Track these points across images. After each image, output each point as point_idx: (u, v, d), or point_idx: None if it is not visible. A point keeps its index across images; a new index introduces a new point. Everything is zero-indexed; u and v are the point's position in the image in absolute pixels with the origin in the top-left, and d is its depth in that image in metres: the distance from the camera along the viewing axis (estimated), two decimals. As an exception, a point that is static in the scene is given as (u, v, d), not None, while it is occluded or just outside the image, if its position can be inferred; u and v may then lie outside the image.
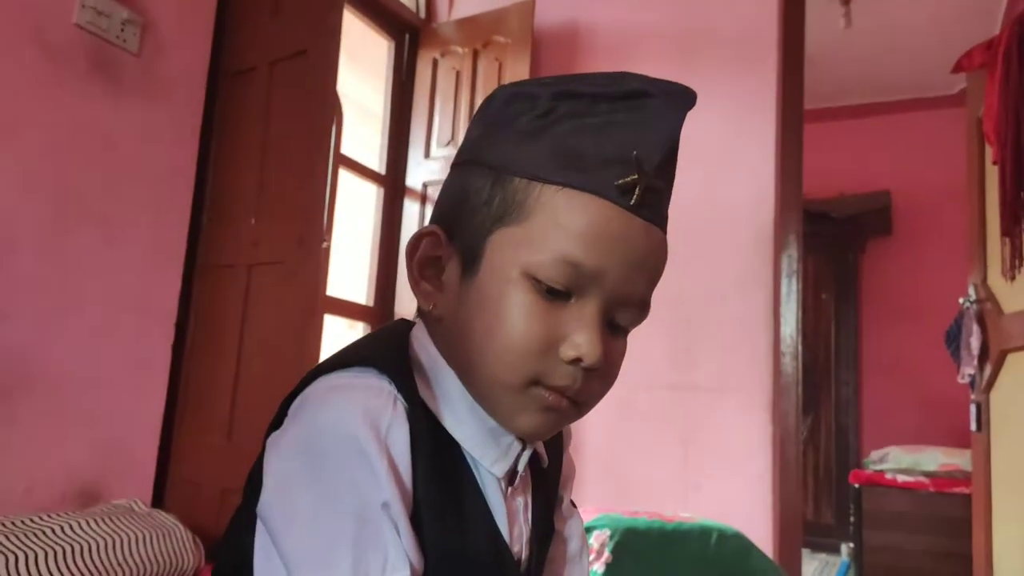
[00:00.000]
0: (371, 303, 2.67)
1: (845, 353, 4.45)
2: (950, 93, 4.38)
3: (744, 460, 2.23)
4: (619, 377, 0.55)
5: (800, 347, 2.40)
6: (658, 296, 0.59)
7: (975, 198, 2.91)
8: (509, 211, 0.51)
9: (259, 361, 1.85)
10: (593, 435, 2.33)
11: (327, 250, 2.01)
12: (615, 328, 0.53)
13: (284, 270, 1.82)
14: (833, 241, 4.48)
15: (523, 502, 0.58)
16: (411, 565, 0.46)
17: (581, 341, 0.49)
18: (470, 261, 0.52)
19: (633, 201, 0.49)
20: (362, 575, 0.45)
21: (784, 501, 2.22)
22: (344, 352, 0.56)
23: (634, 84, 0.53)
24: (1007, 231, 2.55)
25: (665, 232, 0.54)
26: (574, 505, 0.68)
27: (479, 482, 0.54)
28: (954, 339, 2.86)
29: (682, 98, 0.53)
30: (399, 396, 0.50)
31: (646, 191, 0.50)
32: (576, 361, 0.50)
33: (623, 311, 0.52)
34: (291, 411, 0.52)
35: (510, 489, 0.56)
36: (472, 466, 0.54)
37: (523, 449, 0.56)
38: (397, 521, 0.47)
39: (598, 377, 0.52)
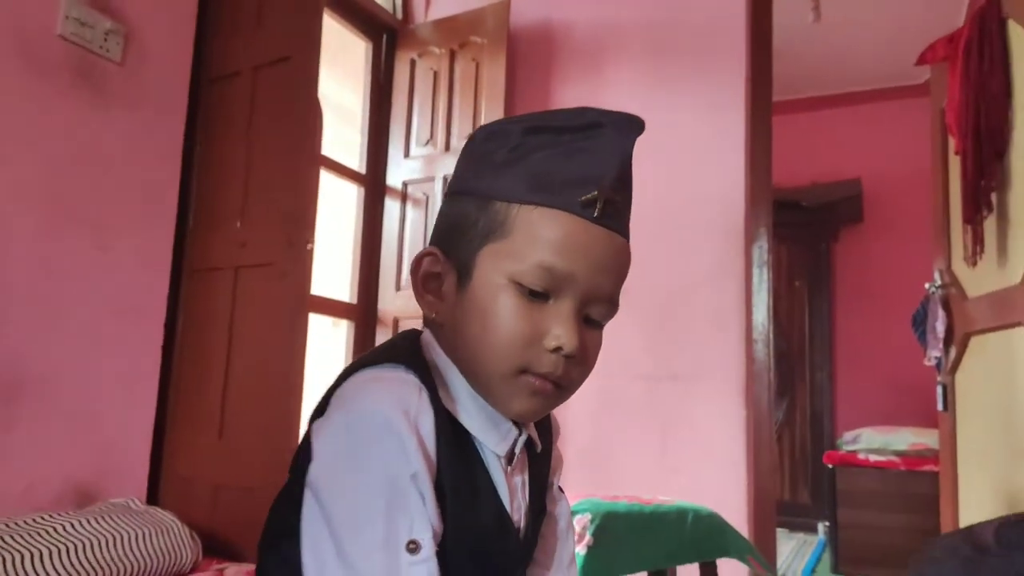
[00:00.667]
0: (355, 301, 2.72)
1: (819, 339, 4.57)
2: (918, 83, 4.48)
3: (719, 444, 2.32)
4: (599, 368, 0.64)
5: (771, 334, 2.48)
6: (634, 290, 0.66)
7: (939, 187, 3.01)
8: (493, 230, 0.60)
9: (247, 361, 1.89)
10: (575, 424, 2.40)
11: (311, 251, 2.05)
12: (590, 322, 0.62)
13: (271, 272, 1.87)
14: (806, 229, 4.58)
15: (521, 480, 0.67)
16: (432, 528, 0.56)
17: (560, 332, 0.59)
18: (464, 274, 0.62)
19: (595, 214, 0.59)
20: (392, 535, 0.54)
21: (758, 482, 2.31)
22: (374, 353, 0.65)
23: (590, 117, 0.61)
24: (969, 219, 2.65)
25: (627, 237, 0.63)
26: (561, 490, 0.77)
27: (485, 461, 0.63)
28: (920, 323, 2.96)
29: (630, 126, 0.62)
30: (423, 387, 0.59)
31: (605, 204, 0.59)
32: (557, 350, 0.59)
33: (595, 307, 0.61)
34: (333, 400, 0.60)
35: (509, 468, 0.65)
36: (479, 448, 0.63)
37: (519, 434, 0.65)
38: (423, 491, 0.56)
39: (577, 364, 0.61)
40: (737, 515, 2.20)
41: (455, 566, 0.58)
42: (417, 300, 0.66)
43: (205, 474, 1.87)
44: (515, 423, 0.64)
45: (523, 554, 0.68)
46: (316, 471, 0.57)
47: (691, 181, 2.51)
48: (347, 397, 0.59)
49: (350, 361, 2.69)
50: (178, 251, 1.93)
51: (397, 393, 0.58)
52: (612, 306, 0.62)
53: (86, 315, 1.69)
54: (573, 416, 2.38)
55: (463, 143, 2.45)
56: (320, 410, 0.61)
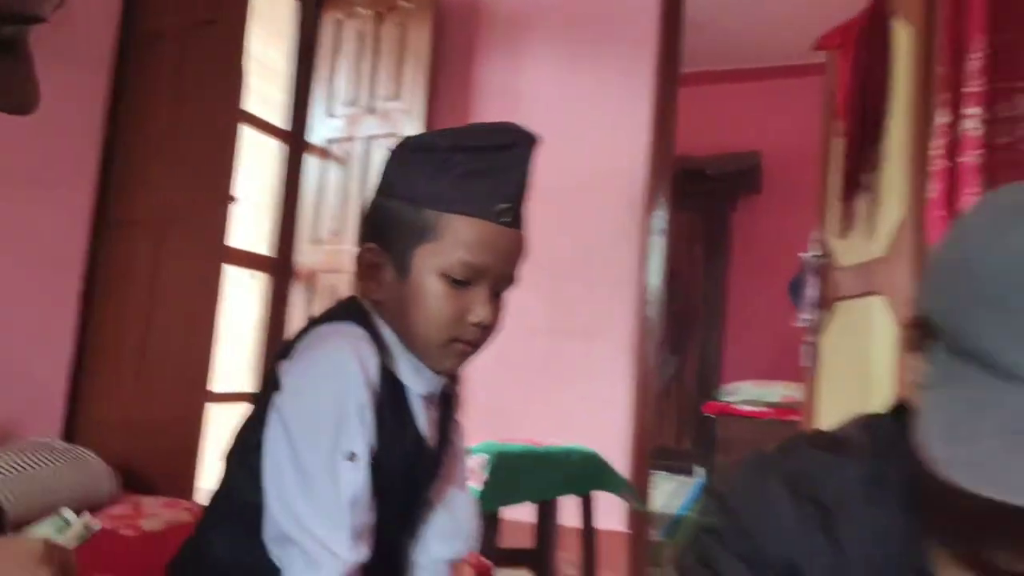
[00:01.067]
0: (273, 254, 2.81)
1: (712, 300, 4.91)
2: (819, 62, 4.76)
3: (609, 395, 2.57)
4: (504, 326, 0.84)
5: (663, 298, 2.73)
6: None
7: (824, 165, 3.29)
8: (426, 233, 0.78)
9: (167, 309, 1.99)
10: (479, 375, 2.57)
11: (232, 206, 2.14)
12: (496, 296, 0.81)
13: (192, 225, 1.96)
14: (708, 197, 4.86)
15: (435, 415, 0.87)
16: (368, 445, 0.75)
17: (480, 311, 0.79)
18: (401, 268, 0.79)
19: (504, 219, 0.78)
20: (337, 447, 0.73)
21: (641, 429, 2.58)
22: (332, 312, 0.85)
23: (502, 138, 0.80)
24: (844, 197, 2.95)
25: (522, 230, 0.82)
26: (459, 423, 0.98)
27: (409, 400, 0.83)
28: (796, 289, 3.28)
29: (532, 142, 0.80)
30: (371, 341, 0.78)
31: (511, 210, 0.78)
32: (478, 324, 0.79)
33: (502, 286, 0.81)
34: (299, 346, 0.79)
35: (428, 406, 0.85)
36: (406, 389, 0.82)
37: (437, 381, 0.85)
38: (365, 417, 0.75)
39: (489, 331, 0.82)
40: (621, 458, 2.47)
41: (387, 476, 0.78)
42: (360, 284, 0.84)
43: (123, 415, 1.97)
44: (434, 373, 0.84)
45: (435, 469, 0.89)
46: (284, 398, 0.76)
47: (598, 152, 2.69)
48: (313, 344, 0.78)
49: (268, 312, 2.80)
50: (101, 204, 1.98)
51: (352, 343, 0.76)
52: (513, 282, 0.83)
53: (5, 264, 1.74)
54: (477, 368, 2.56)
55: (387, 105, 2.56)
56: (285, 353, 0.79)
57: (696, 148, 4.71)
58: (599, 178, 2.69)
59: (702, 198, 4.82)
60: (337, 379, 0.74)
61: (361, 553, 0.73)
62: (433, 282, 0.77)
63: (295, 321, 2.73)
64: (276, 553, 0.75)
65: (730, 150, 4.90)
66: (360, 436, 0.74)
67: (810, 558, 0.60)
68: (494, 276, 0.79)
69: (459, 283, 0.77)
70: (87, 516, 0.54)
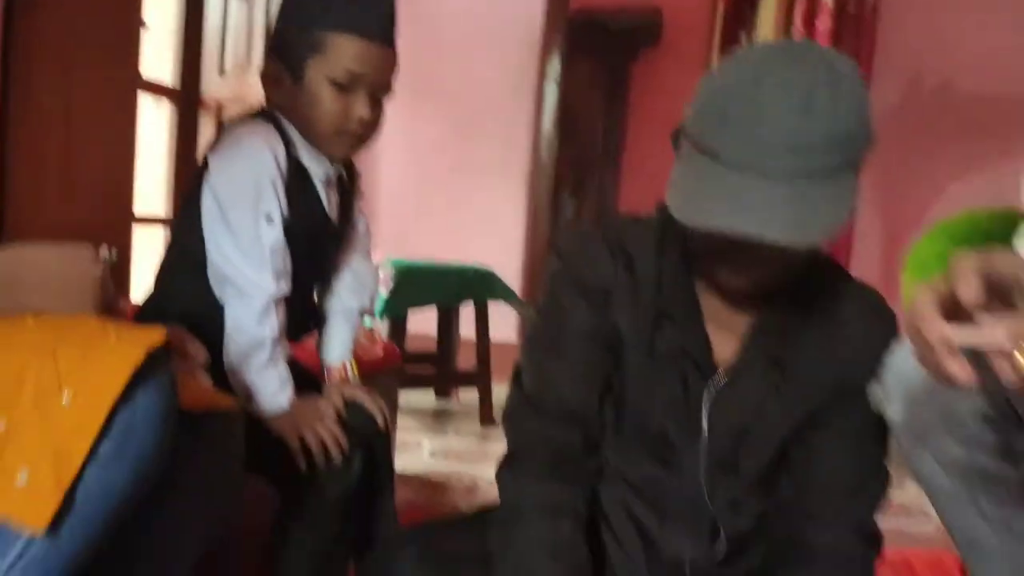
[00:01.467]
0: (178, 85, 2.83)
1: (611, 148, 5.21)
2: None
3: (505, 223, 2.88)
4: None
5: (556, 140, 3.00)
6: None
7: (709, 27, 3.54)
8: (315, 47, 1.01)
9: (84, 134, 2.06)
10: (389, 201, 2.83)
11: (143, 31, 2.17)
12: (376, 101, 1.04)
13: (103, 51, 2.01)
14: (608, 50, 5.01)
15: (335, 196, 1.12)
16: (280, 211, 1.01)
17: (360, 108, 1.01)
18: (298, 75, 1.03)
19: (377, 36, 1.00)
20: (257, 209, 1.00)
21: (532, 253, 2.93)
22: (248, 115, 1.09)
23: None
24: (723, 54, 3.23)
25: (395, 49, 1.04)
26: (362, 212, 1.24)
27: (313, 180, 1.07)
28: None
29: None
30: (279, 135, 1.03)
31: (382, 31, 1.02)
32: (359, 118, 1.01)
33: (379, 92, 1.04)
34: (223, 139, 1.05)
35: (329, 190, 1.09)
36: (310, 173, 1.06)
37: (331, 167, 1.08)
38: (278, 189, 1.01)
39: (371, 126, 1.04)
40: (514, 281, 2.82)
41: (299, 240, 1.03)
42: (265, 91, 1.06)
43: (50, 232, 2.09)
44: (330, 161, 1.08)
45: (337, 236, 1.15)
46: (213, 177, 1.02)
47: (497, 3, 2.82)
48: (232, 136, 1.04)
49: (175, 140, 2.87)
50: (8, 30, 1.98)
51: (263, 134, 1.02)
52: (389, 90, 1.05)
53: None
54: (388, 195, 2.81)
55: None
56: (213, 147, 1.06)
57: (599, 2, 4.79)
58: (497, 26, 2.84)
59: (603, 51, 4.96)
60: (253, 159, 0.98)
61: (282, 288, 1.01)
62: (323, 85, 0.99)
63: (204, 150, 2.83)
64: (217, 290, 1.02)
65: (632, 4, 5.01)
66: (274, 202, 0.99)
67: (617, 286, 0.90)
68: (371, 82, 1.00)
69: (342, 87, 0.98)
70: (104, 248, 0.76)
